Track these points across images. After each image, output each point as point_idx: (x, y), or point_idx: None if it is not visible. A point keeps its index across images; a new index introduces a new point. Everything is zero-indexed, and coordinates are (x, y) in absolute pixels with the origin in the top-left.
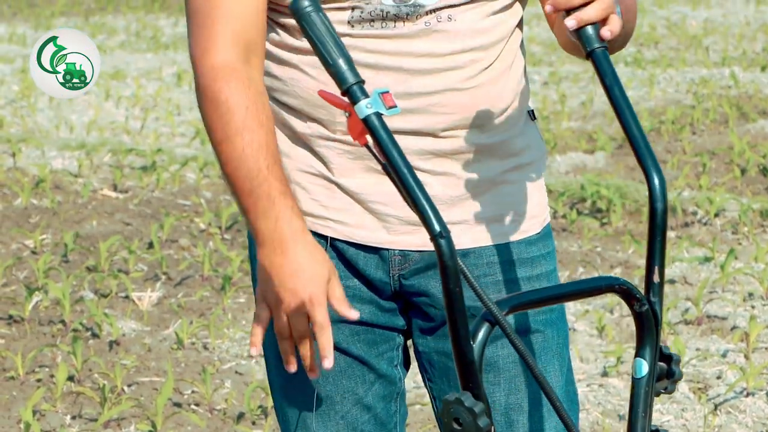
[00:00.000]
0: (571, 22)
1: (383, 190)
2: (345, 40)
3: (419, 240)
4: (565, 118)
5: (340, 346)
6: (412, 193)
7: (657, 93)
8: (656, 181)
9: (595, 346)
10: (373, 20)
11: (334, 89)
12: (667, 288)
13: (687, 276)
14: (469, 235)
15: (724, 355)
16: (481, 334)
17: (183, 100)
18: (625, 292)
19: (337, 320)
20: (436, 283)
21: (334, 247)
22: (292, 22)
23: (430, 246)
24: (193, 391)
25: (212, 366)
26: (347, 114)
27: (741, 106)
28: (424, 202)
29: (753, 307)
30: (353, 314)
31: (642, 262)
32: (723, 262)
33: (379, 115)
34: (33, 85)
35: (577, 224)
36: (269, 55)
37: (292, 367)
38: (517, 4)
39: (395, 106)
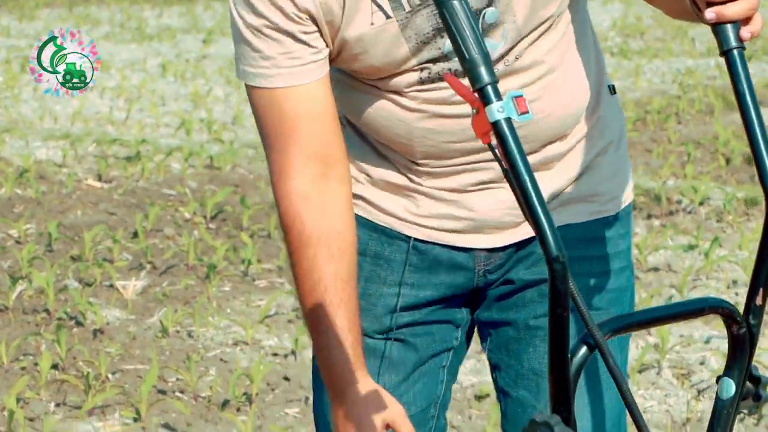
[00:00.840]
0: (710, 14)
1: (468, 198)
2: (416, 94)
3: (505, 238)
4: None
5: (395, 336)
6: (533, 209)
7: (643, 83)
8: None
9: None
10: (441, 79)
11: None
12: (651, 275)
13: (671, 264)
14: None
15: (707, 342)
16: (578, 357)
17: (167, 91)
18: (728, 315)
19: (390, 308)
20: (518, 268)
21: (415, 247)
22: (361, 88)
23: (515, 239)
24: (177, 379)
25: (197, 354)
26: (475, 110)
27: (726, 96)
28: (544, 221)
29: (737, 294)
30: None
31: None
32: (707, 250)
33: (509, 120)
34: (17, 76)
35: None
36: (344, 90)
37: None
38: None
39: (527, 112)
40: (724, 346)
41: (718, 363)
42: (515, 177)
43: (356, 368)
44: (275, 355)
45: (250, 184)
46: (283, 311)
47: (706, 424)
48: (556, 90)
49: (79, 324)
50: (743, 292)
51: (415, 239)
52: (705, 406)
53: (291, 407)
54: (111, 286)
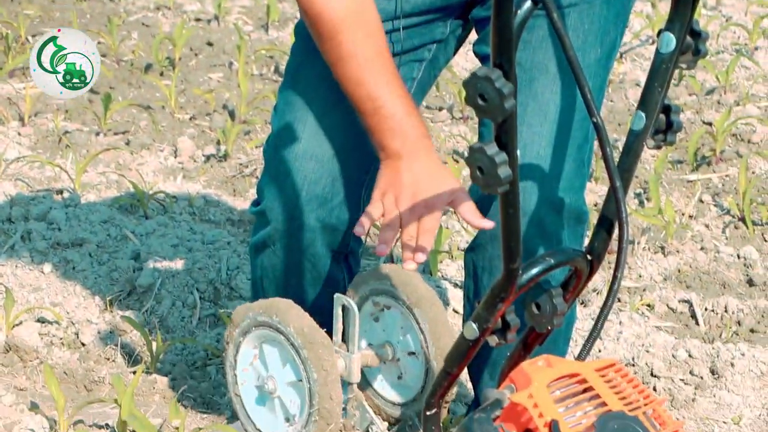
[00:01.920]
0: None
1: None
2: None
3: None
4: None
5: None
6: None
7: None
8: None
9: None
10: None
11: None
12: None
13: None
14: None
15: None
16: (522, 11)
17: None
18: None
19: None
20: None
21: None
22: None
23: None
24: (99, 42)
25: (118, 17)
26: None
27: None
28: None
29: None
30: (487, 224)
31: None
32: None
33: None
34: None
35: None
36: None
37: (383, 250)
38: None
39: None
40: (648, 9)
41: (640, 26)
42: None
43: (427, 142)
44: (198, 20)
45: None
46: None
47: (627, 86)
48: None
49: None
50: None
51: None
52: (627, 68)
53: (214, 72)
54: None
